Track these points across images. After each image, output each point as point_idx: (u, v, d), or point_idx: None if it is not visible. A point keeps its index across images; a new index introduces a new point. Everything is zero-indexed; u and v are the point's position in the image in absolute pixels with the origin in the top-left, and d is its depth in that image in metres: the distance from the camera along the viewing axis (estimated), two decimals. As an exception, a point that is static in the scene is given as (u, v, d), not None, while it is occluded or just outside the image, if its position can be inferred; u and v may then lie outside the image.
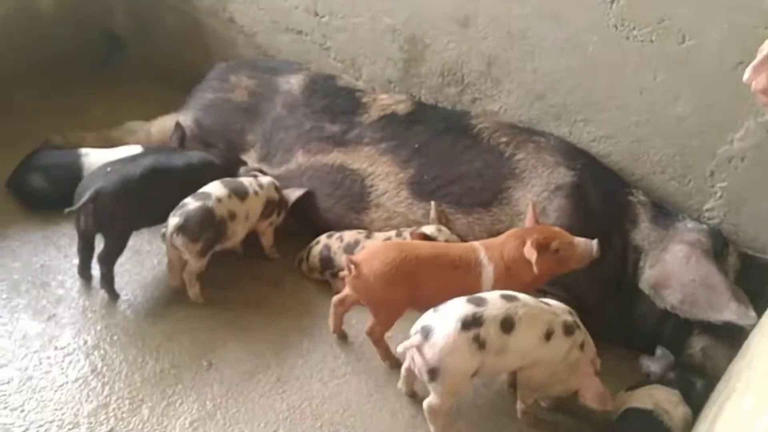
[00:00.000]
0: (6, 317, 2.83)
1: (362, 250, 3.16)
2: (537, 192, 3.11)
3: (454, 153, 3.28)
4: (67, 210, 2.87)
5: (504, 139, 3.28)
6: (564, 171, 3.17)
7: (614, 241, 3.05)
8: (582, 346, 2.46)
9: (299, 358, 2.86)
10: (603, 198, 3.14)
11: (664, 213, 3.14)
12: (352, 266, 2.62)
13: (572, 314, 2.49)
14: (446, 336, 2.29)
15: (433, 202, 3.18)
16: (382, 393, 2.73)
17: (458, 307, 2.37)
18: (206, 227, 2.94)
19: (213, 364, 2.75)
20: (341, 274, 3.00)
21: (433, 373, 2.31)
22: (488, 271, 2.68)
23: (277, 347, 2.90)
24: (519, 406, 2.64)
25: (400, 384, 2.70)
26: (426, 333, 2.32)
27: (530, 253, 2.57)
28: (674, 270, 2.94)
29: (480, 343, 2.31)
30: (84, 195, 2.84)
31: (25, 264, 3.13)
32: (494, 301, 2.40)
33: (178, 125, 3.52)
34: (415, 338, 2.34)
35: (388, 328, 2.75)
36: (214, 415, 2.53)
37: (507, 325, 2.35)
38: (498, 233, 2.98)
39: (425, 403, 2.40)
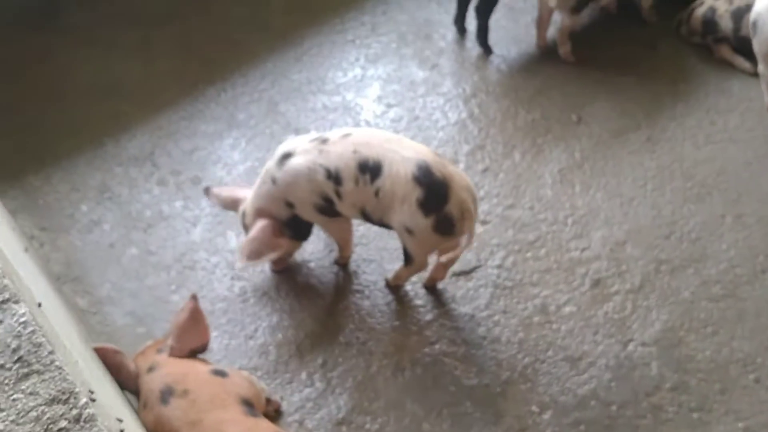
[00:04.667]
0: (396, 64, 3.15)
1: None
2: None
3: None
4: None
5: None
6: None
7: None
8: None
9: (671, 120, 2.76)
10: None
11: None
12: None
13: None
14: None
15: None
16: (763, 162, 2.56)
17: None
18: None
19: (582, 119, 2.80)
20: None
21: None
22: None
23: (649, 108, 2.82)
24: None
25: None
26: None
27: None
28: None
29: None
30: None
31: (411, 17, 3.39)
32: None
33: None
34: None
35: None
36: (582, 165, 2.62)
37: None
38: None
39: None
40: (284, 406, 1.97)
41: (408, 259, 2.09)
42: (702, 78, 2.94)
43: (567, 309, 2.18)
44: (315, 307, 2.20)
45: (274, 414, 1.94)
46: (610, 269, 2.28)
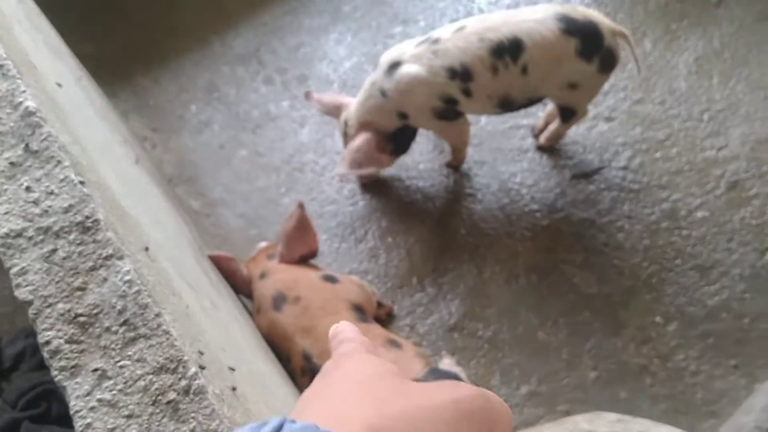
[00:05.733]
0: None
1: None
2: None
3: None
4: None
5: None
6: None
7: None
8: None
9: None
10: None
11: None
12: None
13: None
14: None
15: None
16: None
17: None
18: None
19: (722, 1, 2.49)
20: None
21: None
22: None
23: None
24: None
25: None
26: None
27: None
28: None
29: None
30: None
31: None
32: None
33: None
34: None
35: None
36: (721, 54, 2.35)
37: None
38: None
39: None
40: (395, 310, 1.95)
41: (569, 115, 2.01)
42: None
43: (699, 214, 2.00)
44: (425, 211, 2.12)
45: (385, 318, 1.92)
46: (750, 170, 2.07)
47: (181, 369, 0.64)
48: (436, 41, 1.84)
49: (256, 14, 2.77)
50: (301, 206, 1.79)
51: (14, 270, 0.69)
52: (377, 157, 1.97)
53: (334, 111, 2.09)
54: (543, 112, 2.23)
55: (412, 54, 1.86)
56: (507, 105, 1.90)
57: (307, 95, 2.13)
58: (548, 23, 1.77)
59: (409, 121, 1.95)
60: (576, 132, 2.22)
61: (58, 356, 0.65)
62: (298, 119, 2.39)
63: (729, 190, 2.04)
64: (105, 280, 0.68)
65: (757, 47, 2.34)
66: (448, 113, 1.91)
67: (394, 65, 1.87)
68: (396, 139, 2.02)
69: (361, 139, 1.94)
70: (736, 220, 1.98)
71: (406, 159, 2.23)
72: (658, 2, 2.53)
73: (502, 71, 1.80)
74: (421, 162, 2.24)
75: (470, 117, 2.22)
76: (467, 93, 1.84)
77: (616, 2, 2.56)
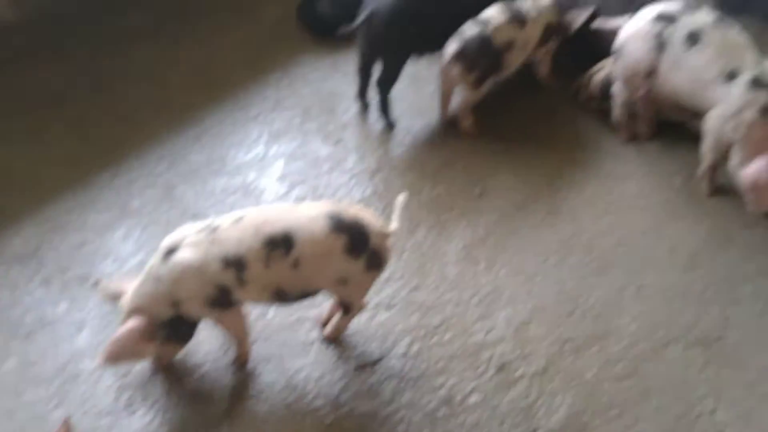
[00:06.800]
0: (300, 140, 3.09)
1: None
2: None
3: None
4: (340, 32, 2.96)
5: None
6: None
7: None
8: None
9: (570, 190, 2.78)
10: None
11: None
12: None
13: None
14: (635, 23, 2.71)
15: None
16: (660, 230, 2.58)
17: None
18: (483, 56, 2.86)
19: (484, 192, 2.79)
20: None
21: (616, 53, 2.80)
22: None
23: (549, 178, 2.84)
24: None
25: None
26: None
27: None
28: None
29: (661, 43, 2.61)
30: (361, 16, 2.89)
31: (315, 90, 3.36)
32: (701, 14, 2.58)
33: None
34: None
35: None
36: (485, 240, 2.59)
37: (693, 38, 2.53)
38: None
39: None
40: None
41: (347, 308, 2.13)
42: (597, 145, 2.98)
43: (472, 399, 2.11)
44: (208, 415, 2.06)
45: None
46: (515, 351, 2.23)
47: None
48: (215, 230, 1.92)
49: (41, 209, 2.71)
50: (66, 423, 1.69)
51: None
52: (138, 348, 1.94)
53: (118, 298, 2.04)
54: (328, 302, 2.31)
55: (190, 241, 1.92)
56: (281, 296, 1.99)
57: (97, 283, 2.10)
58: (319, 221, 1.92)
59: (182, 309, 1.96)
60: (359, 322, 2.30)
61: None
62: (76, 322, 2.29)
63: (498, 372, 2.18)
64: None
65: (515, 234, 2.61)
66: (222, 301, 1.95)
67: (171, 251, 1.92)
68: (172, 328, 2.00)
69: (122, 330, 1.92)
70: (506, 403, 2.10)
71: (188, 361, 2.19)
72: (430, 194, 2.79)
73: (274, 264, 1.89)
74: (206, 363, 2.20)
75: (257, 310, 2.26)
76: (241, 282, 1.91)
77: (393, 194, 2.74)
